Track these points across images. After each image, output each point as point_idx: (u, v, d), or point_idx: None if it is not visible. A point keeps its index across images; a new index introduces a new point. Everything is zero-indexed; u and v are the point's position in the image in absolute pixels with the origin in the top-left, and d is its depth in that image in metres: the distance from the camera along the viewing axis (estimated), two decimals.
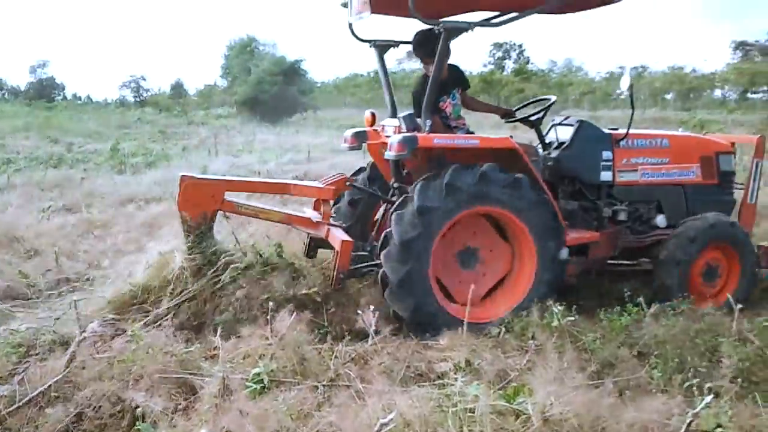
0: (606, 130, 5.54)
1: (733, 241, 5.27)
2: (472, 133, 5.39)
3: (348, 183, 5.51)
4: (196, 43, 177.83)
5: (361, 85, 74.53)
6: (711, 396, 3.17)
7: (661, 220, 5.49)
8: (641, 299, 4.66)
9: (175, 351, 4.08)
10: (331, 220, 5.38)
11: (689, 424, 2.98)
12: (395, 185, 5.33)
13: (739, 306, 4.39)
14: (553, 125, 5.80)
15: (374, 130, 5.64)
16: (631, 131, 5.43)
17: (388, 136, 5.24)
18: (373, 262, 5.12)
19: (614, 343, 4.10)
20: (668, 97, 64.73)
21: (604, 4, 5.30)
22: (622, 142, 5.40)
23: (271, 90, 44.15)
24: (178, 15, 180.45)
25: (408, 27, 5.31)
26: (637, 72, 65.00)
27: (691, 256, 5.12)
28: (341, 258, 4.83)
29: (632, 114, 5.29)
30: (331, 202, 5.46)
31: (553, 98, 5.76)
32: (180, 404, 3.66)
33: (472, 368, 3.94)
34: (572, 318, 4.25)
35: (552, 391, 3.25)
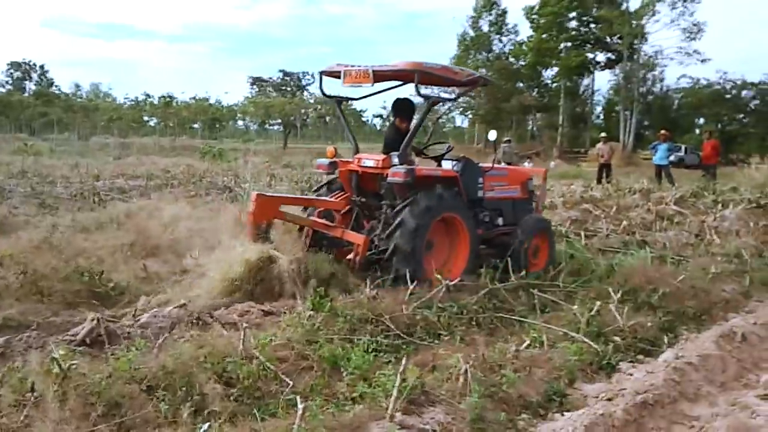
0: (480, 164, 8.10)
1: (548, 231, 8.41)
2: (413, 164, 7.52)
3: (351, 198, 7.56)
4: None
5: None
6: (209, 422, 3.26)
7: (500, 221, 8.16)
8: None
9: None
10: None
11: None
12: (359, 199, 7.55)
13: (245, 325, 4.74)
14: (444, 159, 8.08)
15: (340, 160, 7.70)
16: (487, 165, 8.17)
17: (366, 166, 7.33)
18: (377, 251, 6.96)
19: (122, 381, 3.90)
20: (195, 126, 67.54)
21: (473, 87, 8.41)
22: (487, 173, 7.98)
23: None
24: None
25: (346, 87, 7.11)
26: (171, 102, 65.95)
27: (530, 240, 7.90)
28: (362, 249, 6.89)
29: (495, 157, 8.23)
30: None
31: (452, 145, 8.49)
32: None
33: None
34: (75, 362, 3.91)
35: None
